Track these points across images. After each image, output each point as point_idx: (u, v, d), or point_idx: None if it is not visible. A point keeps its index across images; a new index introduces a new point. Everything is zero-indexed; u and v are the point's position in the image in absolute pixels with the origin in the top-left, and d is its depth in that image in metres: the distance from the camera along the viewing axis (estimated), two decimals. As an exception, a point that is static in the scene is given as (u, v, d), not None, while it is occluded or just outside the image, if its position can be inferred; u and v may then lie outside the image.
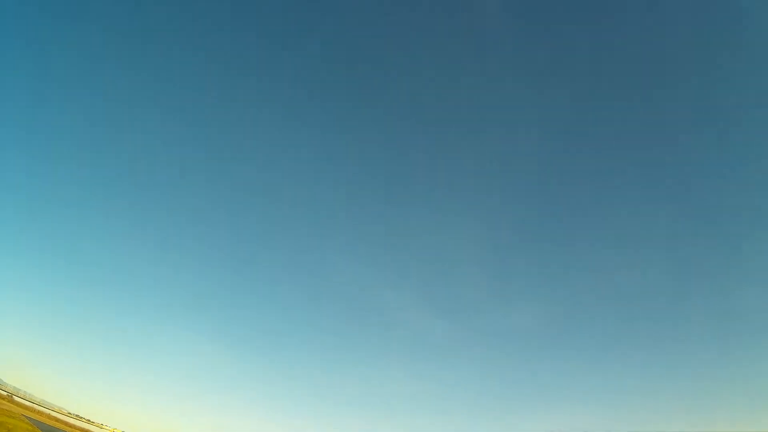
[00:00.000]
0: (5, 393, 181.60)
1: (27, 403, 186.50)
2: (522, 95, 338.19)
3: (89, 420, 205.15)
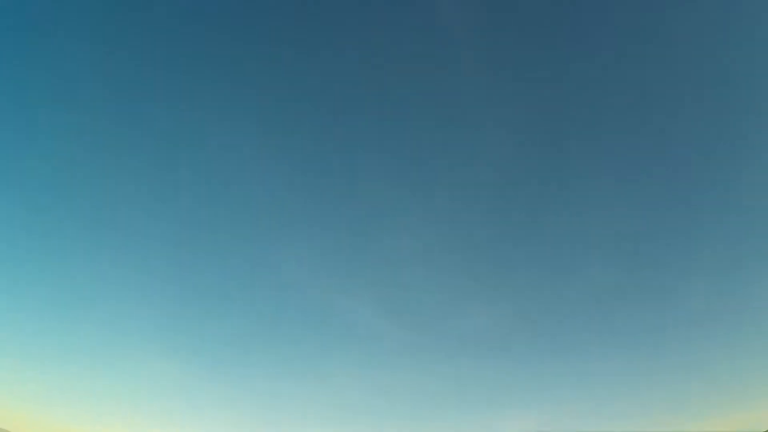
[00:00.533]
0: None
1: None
2: (483, 91, 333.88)
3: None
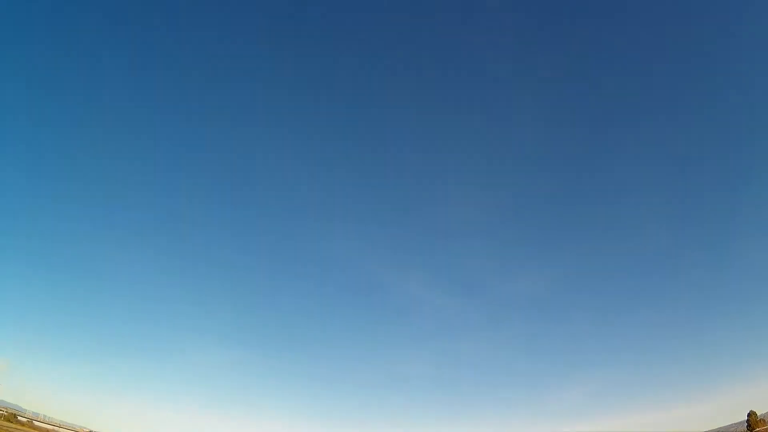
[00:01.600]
0: (25, 419, 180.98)
1: (48, 426, 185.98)
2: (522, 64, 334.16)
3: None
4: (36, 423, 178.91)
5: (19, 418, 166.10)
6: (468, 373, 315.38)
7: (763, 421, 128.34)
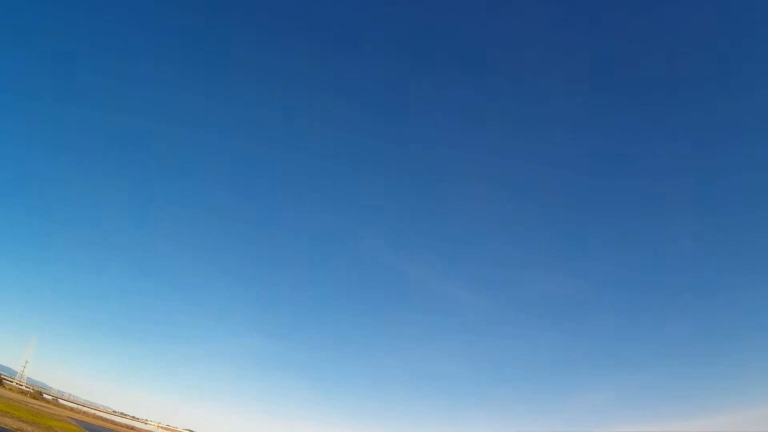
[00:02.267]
0: (50, 397, 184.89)
1: (72, 405, 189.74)
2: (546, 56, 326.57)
3: (133, 416, 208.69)
4: (61, 401, 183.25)
5: (44, 396, 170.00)
6: (492, 371, 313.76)
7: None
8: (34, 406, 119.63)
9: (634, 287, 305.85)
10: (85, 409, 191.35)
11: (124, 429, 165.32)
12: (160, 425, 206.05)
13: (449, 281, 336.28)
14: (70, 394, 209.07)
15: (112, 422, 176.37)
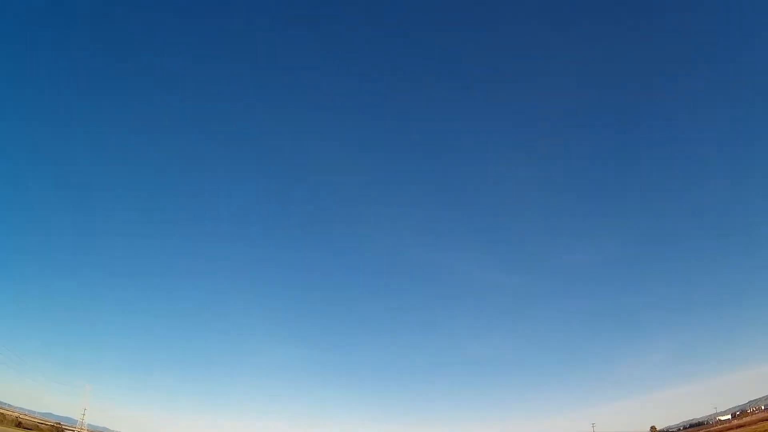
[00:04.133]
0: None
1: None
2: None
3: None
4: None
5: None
6: (531, 350, 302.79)
7: None
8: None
9: (670, 251, 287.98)
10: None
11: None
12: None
13: (480, 263, 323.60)
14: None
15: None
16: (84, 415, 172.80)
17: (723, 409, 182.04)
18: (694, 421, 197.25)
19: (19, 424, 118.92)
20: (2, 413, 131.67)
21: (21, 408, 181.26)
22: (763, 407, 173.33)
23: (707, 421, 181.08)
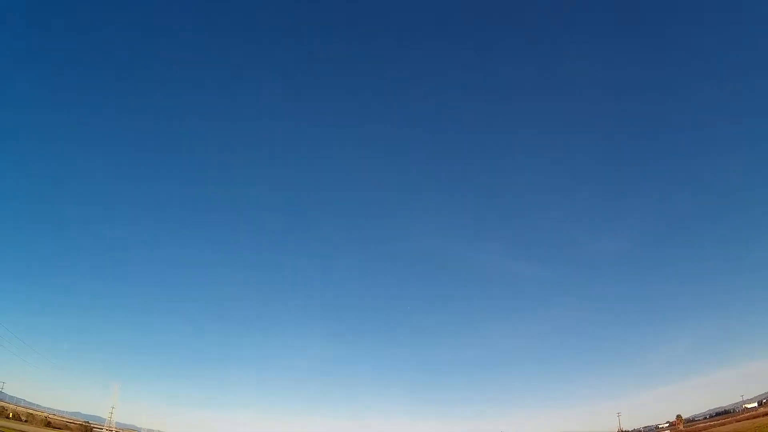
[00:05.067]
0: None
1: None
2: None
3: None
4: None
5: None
6: (555, 341, 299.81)
7: None
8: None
9: (696, 234, 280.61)
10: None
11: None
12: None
13: (505, 254, 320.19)
14: (160, 431, 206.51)
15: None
16: (112, 413, 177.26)
17: (750, 397, 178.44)
18: (720, 409, 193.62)
19: (48, 424, 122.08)
20: (32, 413, 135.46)
21: (50, 408, 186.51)
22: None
23: (734, 409, 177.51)
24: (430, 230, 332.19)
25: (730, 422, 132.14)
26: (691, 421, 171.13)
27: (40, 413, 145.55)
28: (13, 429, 77.77)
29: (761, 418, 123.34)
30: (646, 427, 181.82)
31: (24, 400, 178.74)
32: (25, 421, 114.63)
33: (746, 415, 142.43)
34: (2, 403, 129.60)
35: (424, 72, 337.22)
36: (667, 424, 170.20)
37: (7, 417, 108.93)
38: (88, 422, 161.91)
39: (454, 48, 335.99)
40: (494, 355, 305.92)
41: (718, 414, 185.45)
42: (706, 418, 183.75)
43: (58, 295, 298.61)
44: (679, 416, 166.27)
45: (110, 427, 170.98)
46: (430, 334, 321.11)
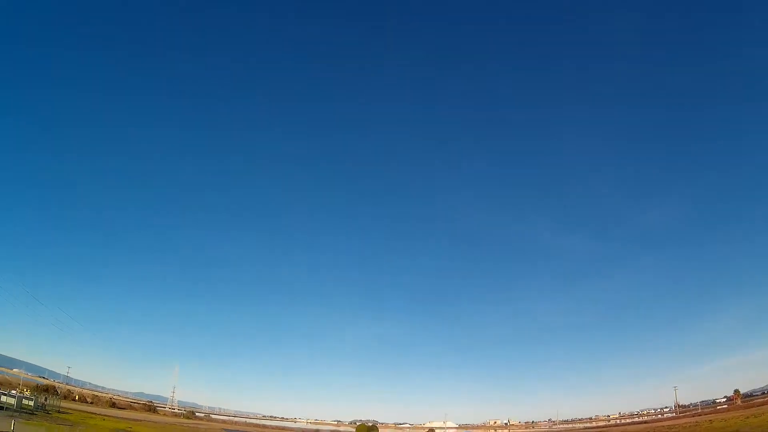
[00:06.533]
0: (202, 414, 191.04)
1: (224, 418, 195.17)
2: None
3: (282, 417, 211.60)
4: (213, 416, 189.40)
5: (196, 414, 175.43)
6: (614, 313, 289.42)
7: None
8: (189, 425, 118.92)
9: (746, 206, 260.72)
10: (236, 419, 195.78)
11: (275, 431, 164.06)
12: (309, 421, 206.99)
13: (552, 228, 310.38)
14: (220, 409, 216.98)
15: (264, 426, 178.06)
16: (174, 393, 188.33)
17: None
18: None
19: (113, 405, 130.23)
20: (97, 395, 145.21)
21: (114, 389, 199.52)
22: None
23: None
24: (478, 207, 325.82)
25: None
26: (749, 396, 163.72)
27: (105, 395, 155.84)
28: (80, 411, 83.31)
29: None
30: (703, 401, 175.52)
31: (89, 383, 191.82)
32: (91, 402, 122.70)
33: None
34: (69, 387, 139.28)
35: (472, 47, 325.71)
36: (725, 399, 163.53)
37: (73, 399, 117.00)
38: (151, 401, 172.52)
39: (497, 22, 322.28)
40: (543, 330, 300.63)
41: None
42: (764, 393, 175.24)
43: (121, 281, 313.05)
44: (736, 391, 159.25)
45: (172, 405, 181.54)
46: (479, 313, 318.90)
